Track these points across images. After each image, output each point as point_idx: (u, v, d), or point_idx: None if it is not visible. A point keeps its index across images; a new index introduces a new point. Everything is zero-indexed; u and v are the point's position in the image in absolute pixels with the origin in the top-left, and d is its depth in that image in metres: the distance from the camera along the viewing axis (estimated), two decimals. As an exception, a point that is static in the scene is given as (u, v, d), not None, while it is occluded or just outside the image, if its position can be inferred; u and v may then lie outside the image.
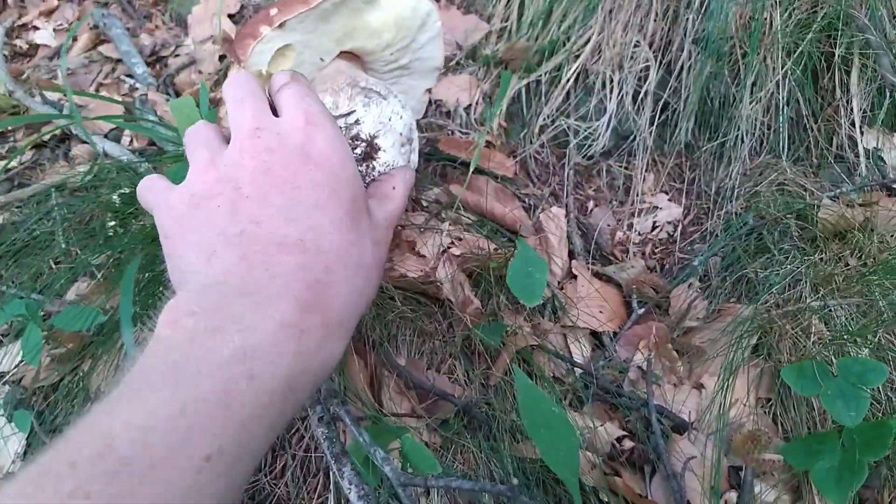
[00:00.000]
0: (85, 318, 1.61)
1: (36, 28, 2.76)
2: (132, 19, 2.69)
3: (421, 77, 1.96)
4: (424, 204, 1.84)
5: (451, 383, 1.49)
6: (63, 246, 1.89)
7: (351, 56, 1.82)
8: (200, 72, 2.36)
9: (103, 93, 2.37)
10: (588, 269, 1.72)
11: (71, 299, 1.74)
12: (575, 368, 1.51)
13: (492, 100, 2.18)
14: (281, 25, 1.61)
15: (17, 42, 2.74)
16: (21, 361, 1.69)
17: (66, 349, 1.66)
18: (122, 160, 2.01)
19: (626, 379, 1.50)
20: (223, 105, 1.65)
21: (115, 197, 1.95)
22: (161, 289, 1.64)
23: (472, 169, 1.75)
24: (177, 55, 2.43)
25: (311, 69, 1.74)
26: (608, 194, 1.96)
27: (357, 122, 1.61)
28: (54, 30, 2.72)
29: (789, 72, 1.92)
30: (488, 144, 2.03)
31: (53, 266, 1.88)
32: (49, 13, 2.85)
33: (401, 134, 1.66)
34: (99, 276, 1.78)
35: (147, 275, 1.69)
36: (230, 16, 2.53)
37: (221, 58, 2.39)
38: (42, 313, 1.70)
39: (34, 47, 2.71)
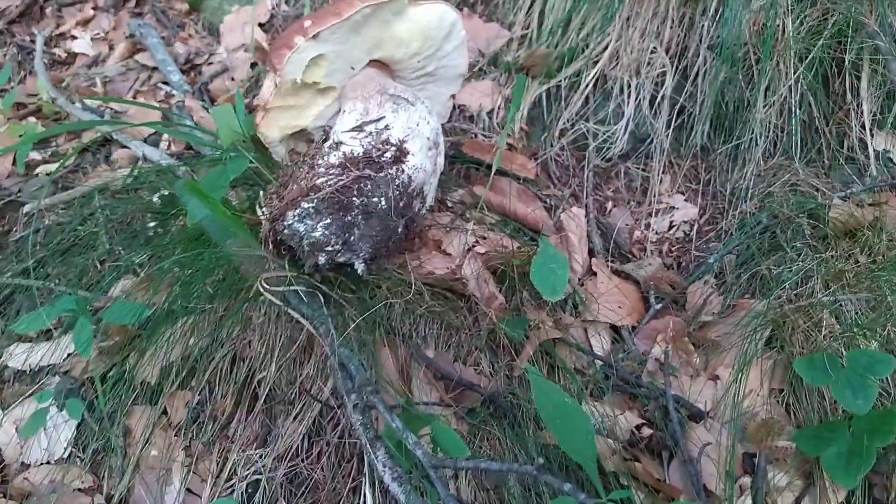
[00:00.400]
0: (132, 312, 1.71)
1: (73, 37, 2.88)
2: (166, 28, 2.80)
3: (446, 83, 2.04)
4: (449, 204, 1.92)
5: (477, 374, 1.58)
6: (107, 246, 1.99)
7: (380, 65, 1.91)
8: (233, 79, 2.46)
9: (140, 99, 2.48)
10: (607, 266, 1.80)
11: (115, 296, 1.84)
12: (595, 360, 1.59)
13: (513, 105, 2.26)
14: (315, 36, 1.71)
15: (56, 51, 2.86)
16: (70, 354, 1.79)
17: (114, 342, 1.76)
18: (161, 164, 2.12)
19: (644, 370, 1.57)
20: (258, 111, 1.75)
21: (155, 199, 2.06)
22: (201, 284, 1.74)
23: (494, 170, 1.84)
24: (210, 63, 2.54)
25: (343, 77, 1.84)
26: (626, 195, 2.04)
27: (387, 127, 1.70)
28: (91, 39, 2.84)
29: (801, 77, 1.99)
30: (510, 147, 2.12)
31: (98, 265, 1.98)
32: (85, 23, 2.97)
33: (428, 138, 1.75)
34: (142, 273, 1.88)
35: (188, 272, 1.80)
36: (260, 25, 2.64)
37: (253, 65, 2.49)
38: (89, 309, 1.80)
39: (72, 56, 2.83)
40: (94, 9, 3.01)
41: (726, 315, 1.65)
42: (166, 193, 2.02)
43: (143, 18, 2.86)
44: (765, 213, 1.85)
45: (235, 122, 1.74)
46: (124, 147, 2.24)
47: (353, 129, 1.66)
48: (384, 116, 1.68)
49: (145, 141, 2.24)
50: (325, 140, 1.69)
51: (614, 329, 1.69)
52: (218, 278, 1.75)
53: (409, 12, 1.77)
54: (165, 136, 2.23)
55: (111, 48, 2.77)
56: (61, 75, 2.71)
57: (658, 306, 1.69)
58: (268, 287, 1.57)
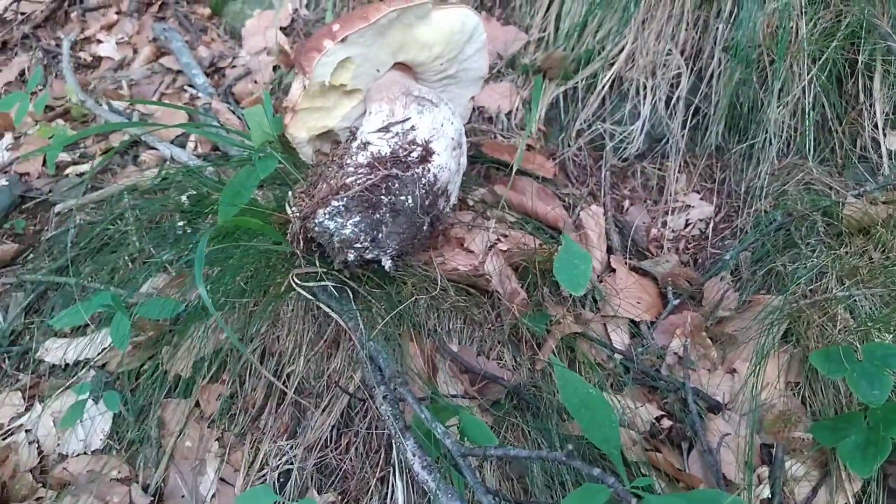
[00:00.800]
0: (166, 307, 1.77)
1: (99, 41, 2.94)
2: (188, 32, 2.86)
3: (467, 85, 2.10)
4: (471, 203, 1.97)
5: (501, 368, 1.63)
6: (137, 244, 2.05)
7: (404, 67, 1.96)
8: (256, 81, 2.52)
9: (166, 101, 2.54)
10: (626, 263, 1.84)
11: (148, 292, 1.90)
12: (616, 354, 1.63)
13: (531, 106, 2.31)
14: (343, 40, 1.76)
15: (81, 54, 2.92)
16: (105, 348, 1.85)
17: (148, 336, 1.82)
18: (189, 164, 2.18)
19: (663, 364, 1.62)
20: (287, 112, 1.80)
21: (183, 198, 2.11)
22: (231, 280, 1.80)
23: (514, 170, 1.89)
24: (234, 66, 2.60)
25: (368, 79, 1.89)
26: (643, 194, 2.08)
27: (413, 128, 1.76)
28: (116, 43, 2.90)
29: (815, 78, 2.03)
30: (529, 147, 2.17)
31: (130, 263, 2.04)
32: (109, 27, 3.04)
33: (452, 138, 1.80)
34: (172, 271, 1.94)
35: (216, 270, 1.85)
36: (282, 29, 2.69)
37: (275, 68, 2.55)
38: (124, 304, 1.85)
39: (97, 59, 2.89)
40: (117, 13, 3.07)
41: (743, 310, 1.70)
42: (194, 193, 2.08)
43: (165, 23, 2.92)
44: (779, 211, 1.89)
45: (266, 122, 1.79)
46: (152, 148, 2.30)
47: (380, 130, 1.71)
48: (410, 118, 1.74)
49: (172, 142, 2.30)
50: (353, 140, 1.74)
51: (633, 324, 1.74)
52: (248, 275, 1.80)
53: (432, 16, 1.82)
54: (192, 137, 2.29)
55: (135, 52, 2.83)
56: (88, 78, 2.77)
57: (676, 302, 1.74)
58: (299, 283, 1.62)
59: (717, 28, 2.17)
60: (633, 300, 1.73)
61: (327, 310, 1.59)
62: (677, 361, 1.62)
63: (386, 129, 1.71)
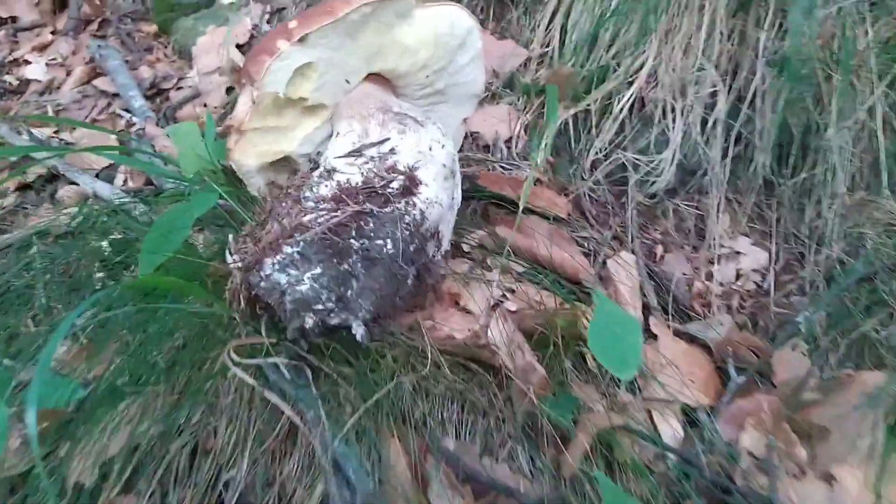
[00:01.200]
0: (64, 391, 1.33)
1: (27, 62, 2.53)
2: (131, 52, 2.46)
3: (458, 104, 1.70)
4: (467, 249, 1.56)
5: (514, 473, 1.19)
6: (43, 301, 1.62)
7: (380, 79, 1.57)
8: (206, 105, 2.11)
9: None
10: (668, 326, 1.44)
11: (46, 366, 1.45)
12: (669, 454, 1.21)
13: (536, 132, 1.92)
14: (302, 39, 1.37)
15: (7, 78, 2.51)
16: (-16, 444, 1.40)
17: (41, 429, 1.37)
18: (114, 202, 1.75)
19: (736, 470, 1.20)
20: (231, 133, 1.40)
21: (104, 244, 1.68)
22: (154, 353, 1.37)
23: (521, 208, 1.49)
24: (179, 88, 2.20)
25: (336, 92, 1.49)
26: (678, 238, 1.69)
27: (392, 151, 1.35)
28: (47, 64, 2.50)
29: (883, 96, 1.67)
30: (535, 181, 1.77)
31: (31, 325, 1.60)
32: (42, 48, 2.64)
33: (444, 165, 1.39)
34: (82, 338, 1.50)
35: (137, 337, 1.42)
36: (238, 46, 2.30)
37: (229, 90, 2.15)
38: (15, 383, 1.41)
39: (25, 83, 2.48)
40: (52, 33, 2.68)
41: (832, 391, 1.28)
42: (119, 237, 1.65)
43: (105, 41, 2.53)
44: (860, 260, 1.50)
45: (200, 144, 1.38)
46: (73, 183, 1.87)
47: (350, 154, 1.31)
48: (388, 138, 1.33)
49: (97, 176, 1.87)
50: (315, 168, 1.34)
51: (687, 409, 1.32)
52: (178, 345, 1.37)
53: (415, 14, 1.44)
54: (122, 169, 1.87)
55: (68, 74, 2.43)
56: (11, 104, 2.35)
57: (740, 380, 1.33)
58: (238, 359, 1.19)
59: (759, 39, 1.81)
60: (683, 377, 1.32)
61: (274, 399, 1.15)
62: (754, 464, 1.19)
63: (358, 152, 1.31)
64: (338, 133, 1.40)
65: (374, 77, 1.50)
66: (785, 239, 1.66)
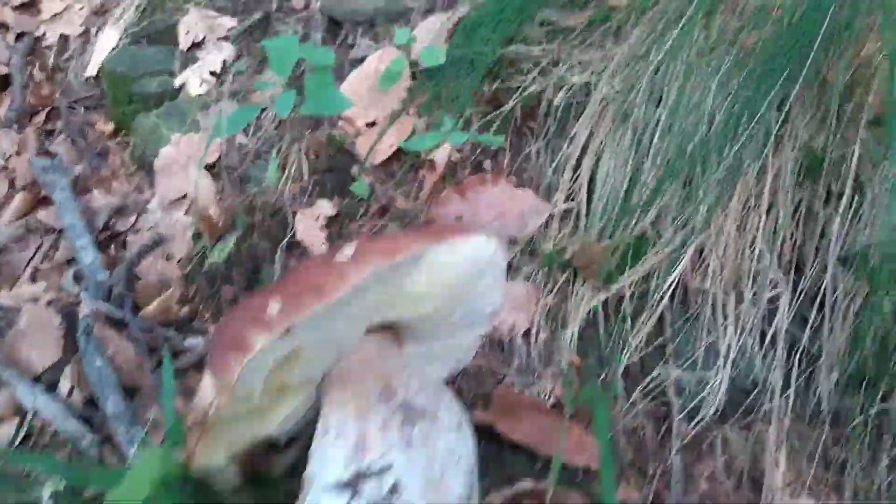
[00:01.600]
0: None
1: (-42, 170, 2.18)
2: (83, 158, 2.11)
3: (473, 328, 1.42)
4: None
5: None
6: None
7: (380, 330, 1.28)
8: (168, 258, 1.80)
9: (40, 282, 1.80)
10: None
11: None
12: None
13: (558, 321, 1.63)
14: (288, 331, 1.07)
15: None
16: None
17: None
18: (64, 427, 1.44)
19: None
20: (193, 433, 1.11)
21: (45, 494, 1.39)
22: None
23: (555, 477, 1.22)
24: (137, 230, 1.86)
25: (325, 365, 1.20)
26: (728, 485, 1.42)
27: (396, 487, 1.07)
28: (-19, 171, 2.15)
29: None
30: (554, 405, 1.50)
31: None
32: (-21, 141, 2.27)
33: (460, 496, 1.12)
34: None
35: None
36: (209, 167, 1.96)
37: (196, 236, 1.82)
38: None
39: (-45, 198, 2.13)
40: (-9, 124, 2.31)
41: None
42: (62, 489, 1.36)
43: (53, 139, 2.17)
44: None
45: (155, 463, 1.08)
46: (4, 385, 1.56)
47: (345, 486, 1.02)
48: (392, 465, 1.05)
49: (38, 379, 1.56)
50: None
51: None
52: None
53: (427, 256, 1.14)
54: (66, 371, 1.56)
55: (11, 186, 2.08)
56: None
57: None
58: None
59: (832, 226, 1.52)
60: None
61: None
62: None
63: (352, 485, 1.03)
64: (329, 429, 1.11)
65: (374, 329, 1.21)
66: (854, 493, 1.40)
